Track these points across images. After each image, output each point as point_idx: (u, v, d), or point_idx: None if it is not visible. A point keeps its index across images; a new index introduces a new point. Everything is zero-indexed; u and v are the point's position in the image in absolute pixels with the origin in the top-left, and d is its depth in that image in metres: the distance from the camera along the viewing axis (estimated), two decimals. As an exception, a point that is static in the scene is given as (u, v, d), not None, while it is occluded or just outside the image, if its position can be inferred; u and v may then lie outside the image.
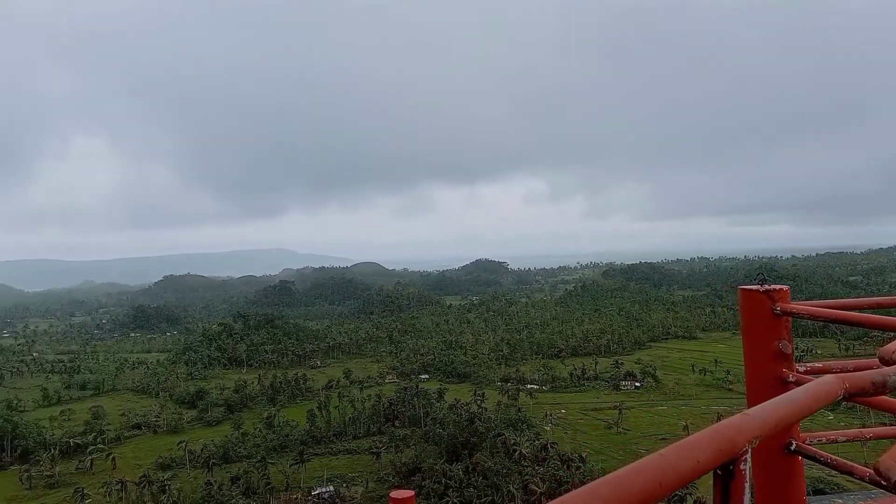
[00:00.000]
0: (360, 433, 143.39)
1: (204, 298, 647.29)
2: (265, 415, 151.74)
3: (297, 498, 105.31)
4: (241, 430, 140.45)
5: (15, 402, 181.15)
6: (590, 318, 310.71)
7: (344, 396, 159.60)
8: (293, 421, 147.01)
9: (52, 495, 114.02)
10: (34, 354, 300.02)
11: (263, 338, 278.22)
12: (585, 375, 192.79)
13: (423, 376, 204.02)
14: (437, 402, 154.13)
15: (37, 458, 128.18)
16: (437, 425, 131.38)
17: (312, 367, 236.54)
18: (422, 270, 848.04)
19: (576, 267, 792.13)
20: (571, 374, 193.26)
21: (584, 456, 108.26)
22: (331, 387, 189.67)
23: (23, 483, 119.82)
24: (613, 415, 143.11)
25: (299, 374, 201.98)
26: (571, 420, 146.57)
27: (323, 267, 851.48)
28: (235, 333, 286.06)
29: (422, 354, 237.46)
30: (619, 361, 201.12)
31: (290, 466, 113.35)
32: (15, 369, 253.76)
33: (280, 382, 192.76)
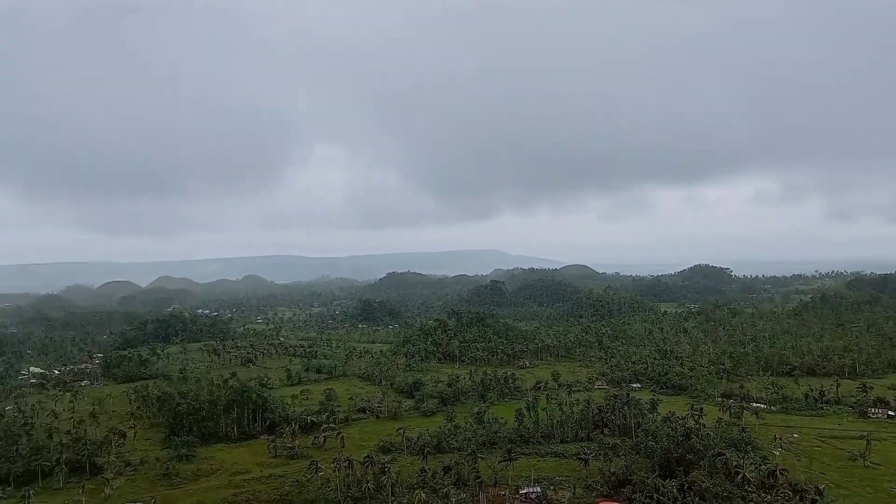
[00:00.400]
0: (567, 437, 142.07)
1: (422, 295, 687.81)
2: (476, 410, 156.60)
3: (504, 494, 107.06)
4: (453, 423, 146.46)
5: (265, 379, 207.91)
6: (830, 333, 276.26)
7: (552, 399, 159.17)
8: (502, 419, 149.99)
9: (292, 465, 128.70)
10: (280, 339, 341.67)
11: (475, 335, 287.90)
12: (824, 398, 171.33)
13: (634, 385, 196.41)
14: (650, 413, 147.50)
15: (281, 430, 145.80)
16: (650, 437, 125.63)
17: (521, 367, 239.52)
18: (634, 275, 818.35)
19: (813, 276, 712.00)
20: (807, 396, 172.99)
21: (821, 488, 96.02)
22: (539, 388, 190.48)
23: (270, 451, 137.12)
24: (859, 445, 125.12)
25: (508, 373, 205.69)
26: (805, 446, 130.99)
27: (532, 268, 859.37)
28: (449, 329, 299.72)
29: (633, 362, 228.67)
30: (867, 385, 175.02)
31: (498, 463, 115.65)
32: (266, 351, 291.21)
33: (490, 380, 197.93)
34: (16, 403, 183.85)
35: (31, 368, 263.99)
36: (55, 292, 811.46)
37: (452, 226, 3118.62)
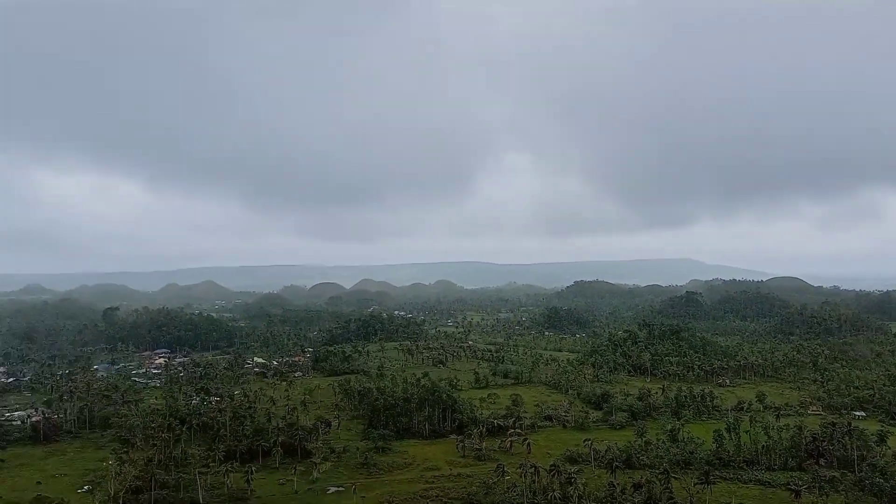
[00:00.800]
0: (774, 465, 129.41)
1: (610, 305, 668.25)
2: (669, 427, 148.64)
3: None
4: (644, 438, 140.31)
5: (454, 381, 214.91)
6: None
7: (756, 422, 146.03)
8: (698, 438, 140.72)
9: (479, 466, 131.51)
10: (469, 342, 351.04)
11: (668, 348, 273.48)
12: None
13: (857, 413, 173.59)
14: (877, 445, 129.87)
15: (469, 432, 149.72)
16: (877, 473, 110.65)
17: (720, 385, 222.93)
18: (858, 289, 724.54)
19: None
20: None
21: None
22: (741, 409, 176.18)
23: (458, 451, 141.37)
24: None
25: (706, 391, 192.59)
26: None
27: (734, 279, 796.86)
28: (640, 341, 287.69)
29: (857, 387, 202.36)
30: None
31: (693, 485, 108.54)
32: (455, 353, 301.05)
33: (685, 396, 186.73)
34: (242, 389, 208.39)
35: (255, 358, 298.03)
36: (274, 291, 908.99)
37: (643, 234, 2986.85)
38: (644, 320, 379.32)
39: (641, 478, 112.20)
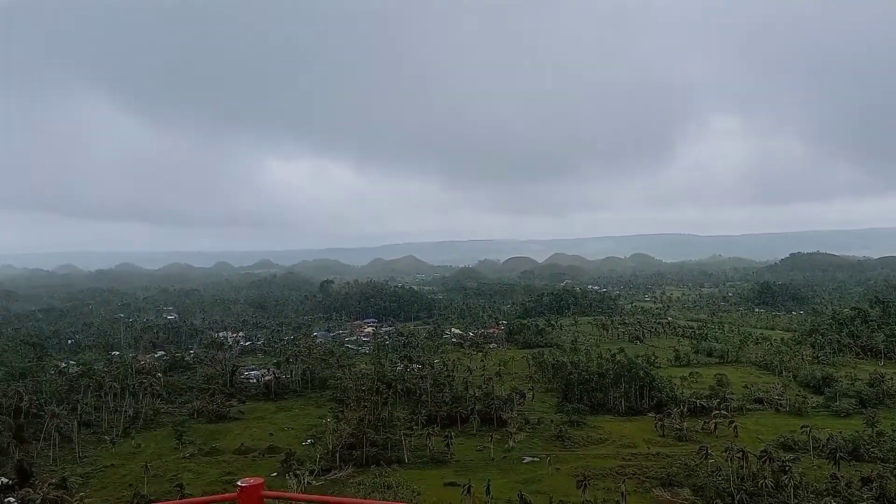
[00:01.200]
0: None
1: (835, 279, 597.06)
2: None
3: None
4: (875, 429, 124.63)
5: (652, 357, 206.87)
6: None
7: None
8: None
9: (679, 447, 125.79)
10: (668, 318, 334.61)
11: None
12: None
13: None
14: None
15: (668, 410, 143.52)
16: None
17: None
18: None
19: None
20: None
21: None
22: None
23: (656, 430, 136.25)
24: None
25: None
26: None
27: None
28: (872, 320, 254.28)
29: None
30: None
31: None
32: (653, 330, 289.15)
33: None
34: (441, 358, 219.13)
35: (453, 329, 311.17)
36: (470, 265, 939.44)
37: (878, 198, 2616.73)
38: (877, 296, 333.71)
39: (872, 472, 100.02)
